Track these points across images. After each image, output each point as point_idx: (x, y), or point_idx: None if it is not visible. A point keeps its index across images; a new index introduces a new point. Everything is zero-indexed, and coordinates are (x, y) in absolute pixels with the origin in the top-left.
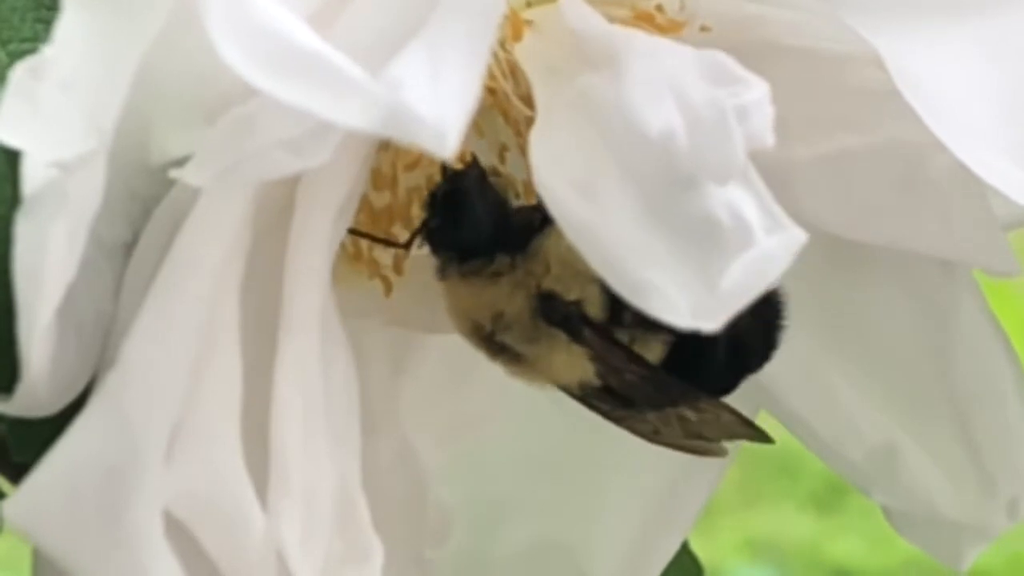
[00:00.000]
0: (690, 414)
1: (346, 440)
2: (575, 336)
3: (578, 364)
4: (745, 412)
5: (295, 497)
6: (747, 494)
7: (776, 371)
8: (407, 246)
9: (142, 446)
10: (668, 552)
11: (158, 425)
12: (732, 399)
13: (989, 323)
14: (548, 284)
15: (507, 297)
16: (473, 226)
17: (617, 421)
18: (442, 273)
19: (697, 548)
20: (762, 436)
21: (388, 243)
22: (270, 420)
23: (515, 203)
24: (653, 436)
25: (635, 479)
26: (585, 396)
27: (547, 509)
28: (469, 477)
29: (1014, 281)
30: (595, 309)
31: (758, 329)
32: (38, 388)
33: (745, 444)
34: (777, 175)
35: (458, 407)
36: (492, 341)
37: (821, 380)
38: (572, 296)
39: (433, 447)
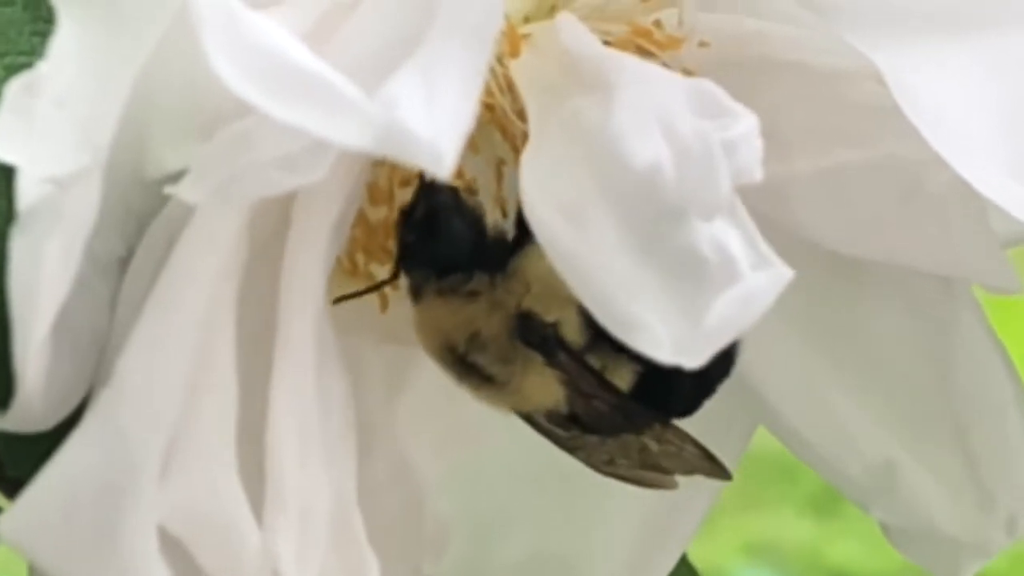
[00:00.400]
0: (652, 445)
1: (342, 455)
2: (550, 359)
3: (549, 388)
4: (743, 427)
5: (291, 513)
6: (746, 497)
7: (774, 386)
8: (394, 278)
9: (137, 461)
10: (668, 563)
11: (153, 440)
12: (728, 414)
13: (988, 339)
14: (528, 304)
15: (485, 316)
16: (450, 242)
17: (572, 451)
18: (416, 294)
19: (696, 551)
20: (722, 472)
21: (373, 288)
22: (266, 436)
23: (491, 221)
24: (606, 467)
25: (634, 490)
26: (546, 423)
27: (545, 520)
28: (466, 489)
29: (1017, 297)
30: (572, 332)
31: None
32: (33, 403)
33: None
34: (776, 190)
35: (454, 420)
36: (463, 362)
37: (819, 395)
38: (551, 317)
39: (430, 460)
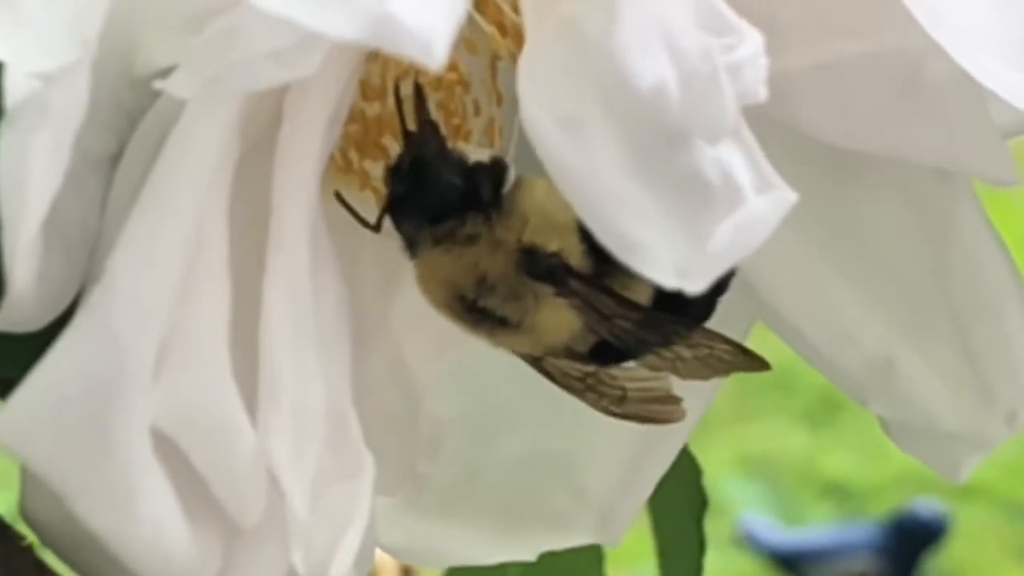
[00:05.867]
0: (685, 352)
1: (336, 354)
2: (560, 287)
3: (564, 320)
4: (741, 323)
5: (285, 413)
6: (741, 409)
7: (773, 283)
8: (377, 228)
9: (129, 361)
10: (663, 465)
11: (145, 339)
12: (724, 313)
13: (988, 233)
14: (528, 237)
15: (488, 257)
16: (439, 190)
17: (582, 395)
18: (411, 247)
19: None
20: (759, 363)
21: (365, 223)
22: (259, 335)
23: (478, 158)
24: (617, 406)
25: None
26: (558, 370)
27: (541, 420)
28: (463, 389)
29: (1015, 193)
30: (576, 258)
31: None
32: (24, 302)
33: None
34: (775, 84)
35: None
36: (474, 309)
37: (819, 291)
38: (553, 247)
39: (426, 359)
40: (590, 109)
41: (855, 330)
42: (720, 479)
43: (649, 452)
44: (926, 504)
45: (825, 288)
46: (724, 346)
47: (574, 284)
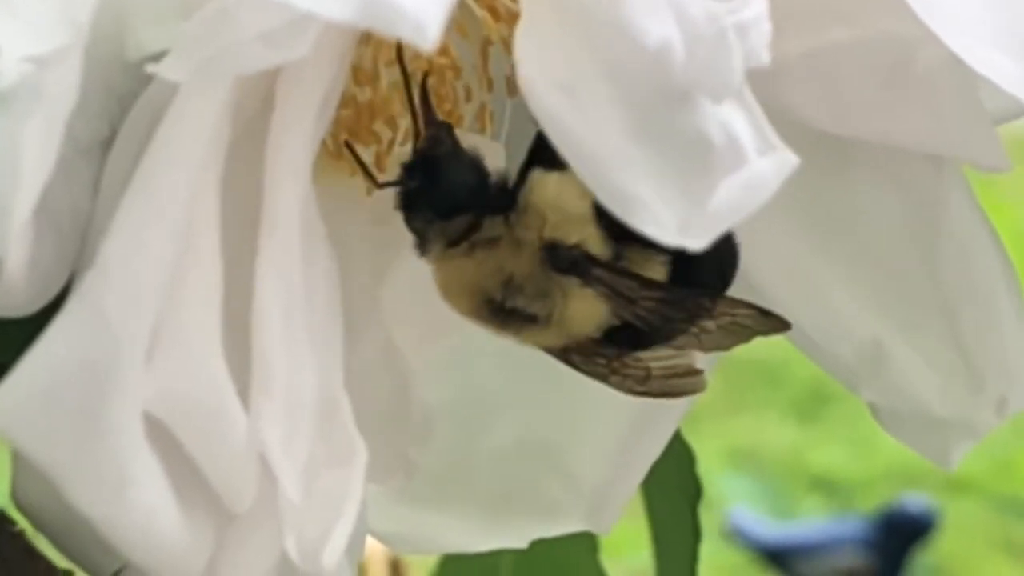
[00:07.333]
0: (710, 325)
1: (328, 339)
2: (585, 277)
3: (591, 308)
4: None
5: (277, 397)
6: (730, 402)
7: (764, 269)
8: (377, 184)
9: (121, 345)
10: (653, 452)
11: (137, 324)
12: None
13: (978, 220)
14: (548, 234)
15: (512, 258)
16: (450, 185)
17: (606, 379)
18: (423, 247)
19: None
20: (781, 323)
21: (374, 180)
22: (251, 319)
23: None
24: (641, 386)
25: None
26: (583, 357)
27: (532, 407)
28: (454, 375)
29: (1006, 183)
30: (597, 246)
31: None
32: (16, 287)
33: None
34: (765, 71)
35: (441, 307)
36: (501, 311)
37: (809, 278)
38: (573, 239)
39: (417, 345)
40: (591, 72)
41: (846, 317)
42: (709, 473)
43: (639, 439)
44: (915, 498)
45: (816, 275)
46: (745, 311)
47: (598, 272)
